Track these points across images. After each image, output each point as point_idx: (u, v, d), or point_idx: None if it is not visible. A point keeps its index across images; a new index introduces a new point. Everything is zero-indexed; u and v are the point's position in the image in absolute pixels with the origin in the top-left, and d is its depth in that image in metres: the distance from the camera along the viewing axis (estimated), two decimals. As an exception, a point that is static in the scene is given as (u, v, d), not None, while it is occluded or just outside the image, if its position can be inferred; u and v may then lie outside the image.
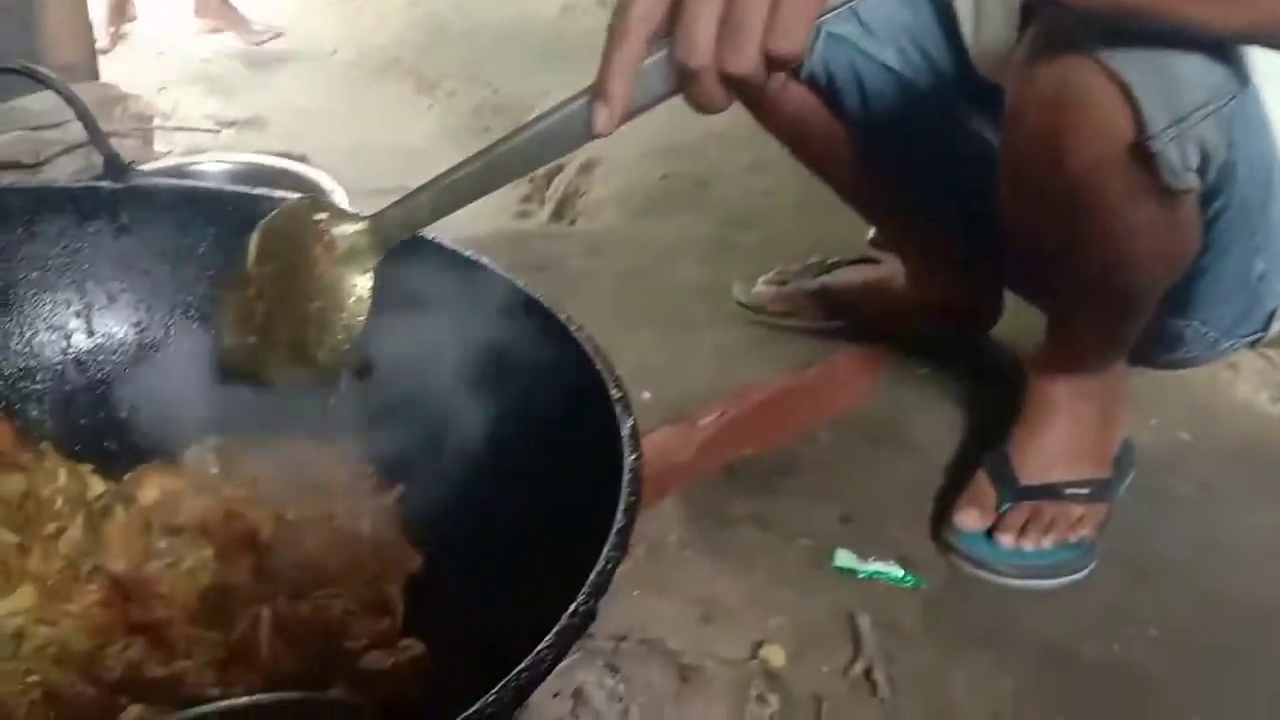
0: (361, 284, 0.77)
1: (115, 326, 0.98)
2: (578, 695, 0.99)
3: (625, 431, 0.76)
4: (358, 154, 2.42)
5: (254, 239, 0.81)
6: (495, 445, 0.85)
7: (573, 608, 0.61)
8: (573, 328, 0.85)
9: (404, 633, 0.81)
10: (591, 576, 0.63)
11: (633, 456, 0.74)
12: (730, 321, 1.60)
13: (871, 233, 1.77)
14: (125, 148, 1.69)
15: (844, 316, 1.55)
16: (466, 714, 0.54)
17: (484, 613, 0.81)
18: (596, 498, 0.75)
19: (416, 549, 0.87)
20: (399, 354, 0.89)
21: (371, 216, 0.76)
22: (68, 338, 0.97)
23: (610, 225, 1.97)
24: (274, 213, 0.81)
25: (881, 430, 1.38)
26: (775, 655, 1.07)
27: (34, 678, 0.72)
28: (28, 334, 0.96)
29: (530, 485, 0.82)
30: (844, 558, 1.19)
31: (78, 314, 0.97)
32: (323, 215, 0.77)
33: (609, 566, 0.64)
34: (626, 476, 0.72)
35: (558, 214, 2.24)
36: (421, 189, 0.75)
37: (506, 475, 0.84)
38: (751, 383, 1.40)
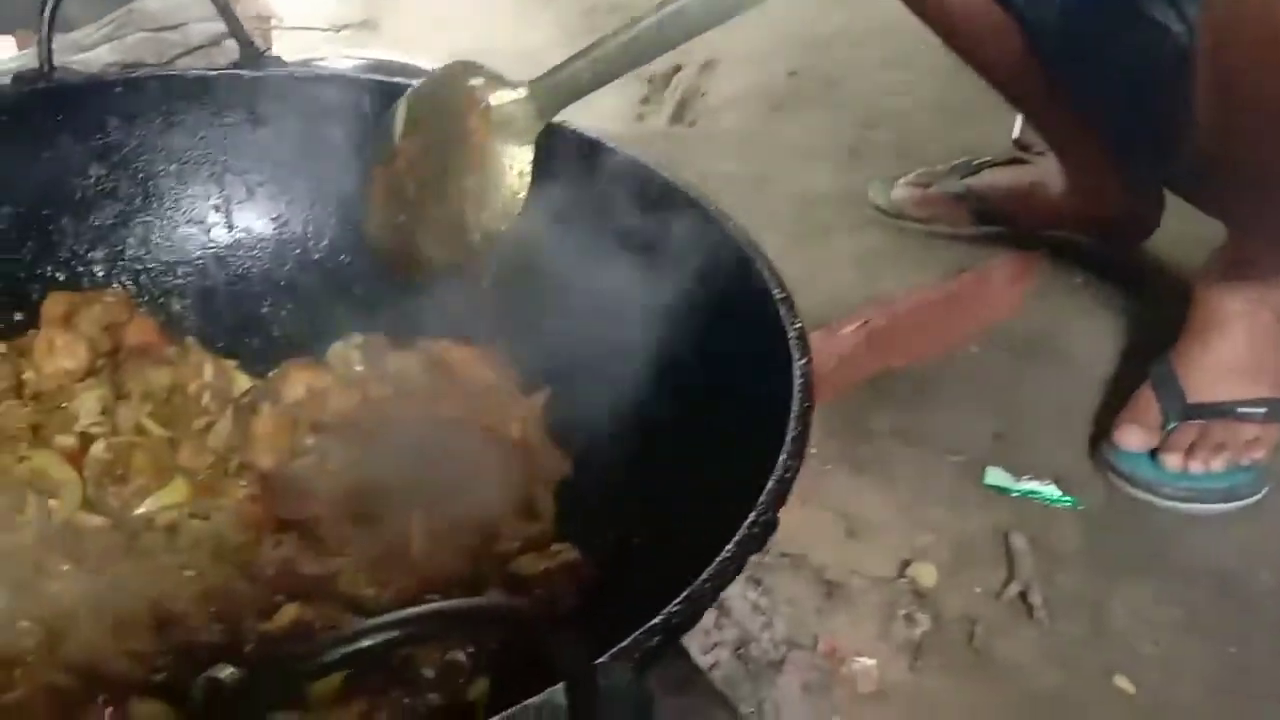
0: (521, 157, 0.71)
1: (254, 221, 0.96)
2: (721, 607, 0.96)
3: (793, 334, 0.71)
4: (474, 57, 2.37)
5: (401, 108, 0.76)
6: (649, 348, 0.81)
7: (752, 517, 0.57)
8: (732, 226, 0.80)
9: (555, 539, 0.79)
10: (770, 484, 0.59)
11: (802, 360, 0.69)
12: (868, 227, 1.52)
13: (1017, 132, 1.66)
14: (246, 48, 1.67)
15: (992, 222, 1.45)
16: (651, 623, 0.50)
17: (634, 521, 0.78)
18: (758, 404, 0.70)
19: (565, 453, 0.85)
20: (544, 250, 0.85)
21: (531, 83, 0.70)
22: (208, 232, 0.96)
23: (735, 126, 1.88)
24: (424, 79, 0.76)
25: (1034, 343, 1.30)
26: (925, 574, 1.02)
27: (191, 572, 0.71)
28: (169, 228, 0.95)
29: (685, 390, 0.78)
30: (996, 475, 1.13)
31: (216, 208, 0.96)
32: (478, 81, 0.72)
33: (788, 475, 0.60)
34: (798, 381, 0.67)
35: (677, 116, 2.16)
36: (580, 55, 0.69)
37: (660, 379, 0.80)
38: (894, 292, 1.33)
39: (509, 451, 0.82)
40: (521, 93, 0.71)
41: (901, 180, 1.53)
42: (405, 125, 0.76)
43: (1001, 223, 1.45)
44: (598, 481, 0.82)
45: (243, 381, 0.87)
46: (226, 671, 0.67)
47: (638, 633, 0.50)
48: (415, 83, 0.98)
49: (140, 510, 0.76)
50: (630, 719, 0.45)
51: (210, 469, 0.80)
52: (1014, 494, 1.11)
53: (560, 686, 0.45)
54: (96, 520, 0.76)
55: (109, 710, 0.66)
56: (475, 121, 0.72)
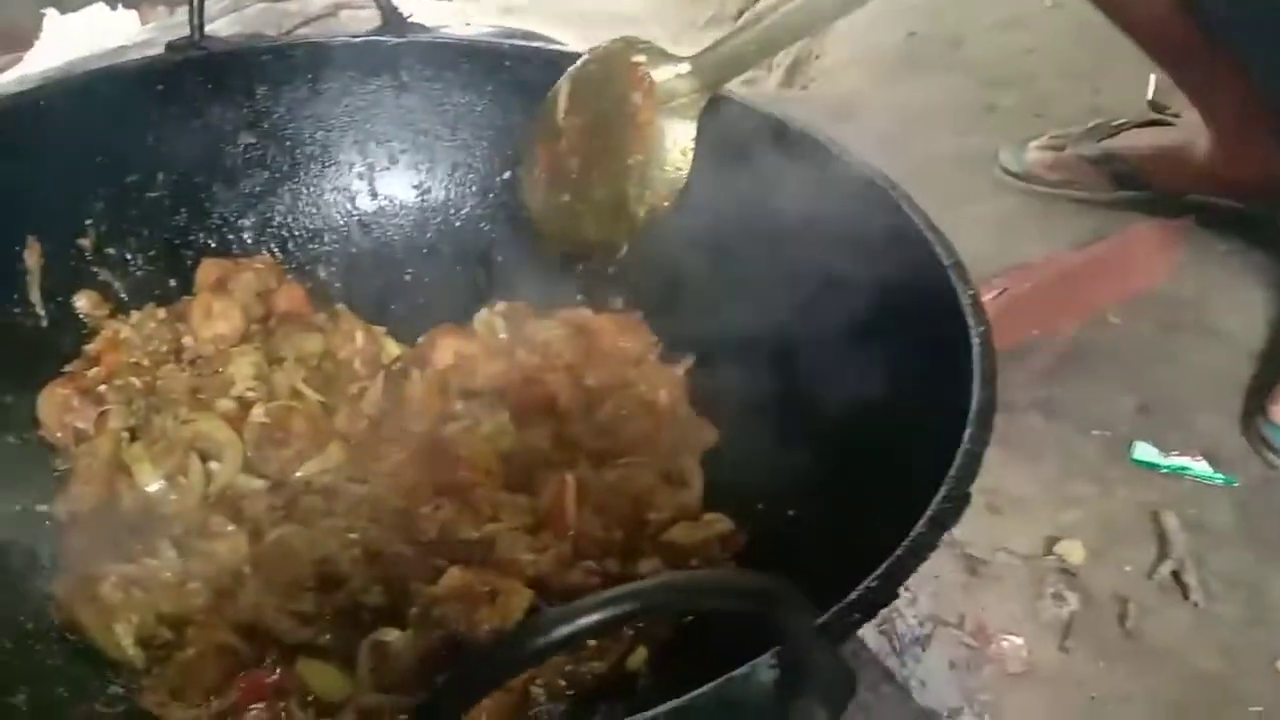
0: (685, 134, 0.71)
1: (397, 188, 0.97)
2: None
3: (965, 300, 0.68)
4: (576, 23, 2.35)
5: (563, 88, 0.76)
6: (797, 318, 0.79)
7: (944, 491, 0.55)
8: (889, 187, 0.78)
9: (705, 508, 0.78)
10: (960, 458, 0.57)
11: (980, 328, 0.66)
12: (999, 191, 1.47)
13: (1151, 93, 1.59)
14: (360, 19, 1.68)
15: (1133, 186, 1.39)
16: (848, 600, 0.49)
17: (786, 492, 0.77)
18: (928, 374, 0.68)
19: (710, 423, 0.84)
20: (689, 218, 0.84)
21: (694, 58, 0.69)
22: (352, 200, 0.96)
23: (854, 89, 1.83)
24: (585, 58, 0.75)
25: (1181, 313, 1.25)
26: (1073, 551, 0.99)
27: (354, 535, 0.72)
28: (315, 195, 0.95)
29: (841, 360, 0.76)
30: (1144, 451, 1.09)
31: (360, 175, 0.96)
32: (641, 58, 0.71)
33: (976, 449, 0.57)
34: (977, 348, 0.64)
35: (789, 80, 2.12)
36: (742, 28, 0.68)
37: (809, 349, 0.78)
38: (1030, 259, 1.28)
39: (657, 419, 0.81)
40: (685, 68, 0.70)
41: (1034, 143, 1.48)
42: (567, 104, 0.76)
43: (1142, 186, 1.39)
44: (745, 452, 0.81)
45: (392, 348, 0.88)
46: (393, 635, 0.68)
47: (838, 607, 0.48)
48: (557, 47, 0.98)
49: (299, 474, 0.77)
50: (838, 694, 0.44)
51: (364, 433, 0.81)
52: (1163, 470, 1.07)
53: (766, 659, 0.44)
54: (256, 483, 0.77)
55: (278, 670, 0.67)
56: (640, 98, 0.71)
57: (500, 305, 0.90)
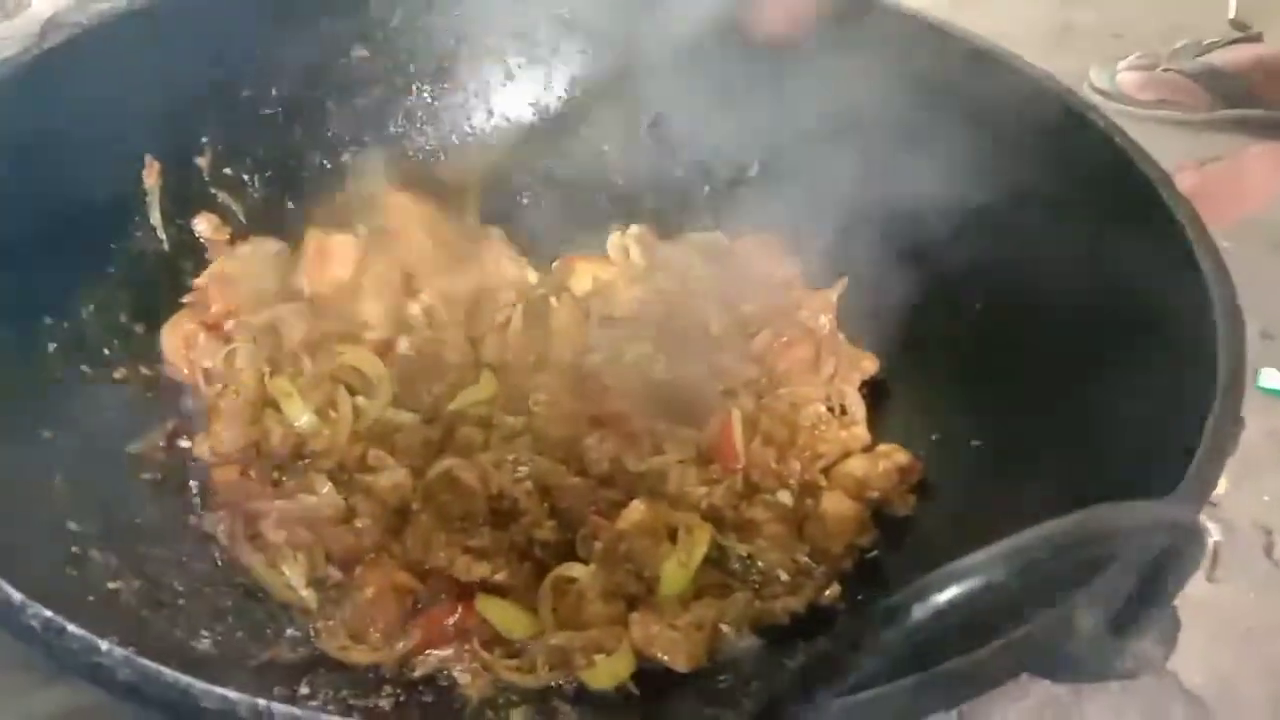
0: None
1: (512, 106, 0.91)
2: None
3: (1181, 214, 0.64)
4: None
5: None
6: (962, 233, 0.74)
7: (1212, 422, 0.52)
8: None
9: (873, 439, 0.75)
10: (1221, 388, 0.54)
11: (1204, 248, 0.63)
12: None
13: (1233, 11, 1.54)
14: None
15: (1239, 102, 1.34)
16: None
17: (960, 423, 0.73)
18: (1134, 306, 0.64)
19: (869, 350, 0.80)
20: (832, 121, 0.79)
21: None
22: (468, 118, 0.90)
23: (920, 10, 1.77)
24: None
25: (1295, 236, 1.21)
26: (1210, 481, 0.96)
27: (524, 469, 0.68)
28: (430, 112, 0.89)
29: (1015, 285, 0.72)
30: (1270, 377, 1.06)
31: (476, 93, 0.90)
32: None
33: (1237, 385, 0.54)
34: (1213, 275, 0.61)
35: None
36: None
37: (981, 272, 0.74)
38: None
39: (816, 346, 0.77)
40: None
41: (1123, 63, 1.43)
42: None
43: (1247, 104, 1.34)
44: (911, 380, 0.78)
45: (533, 275, 0.83)
46: (579, 571, 0.65)
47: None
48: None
49: (452, 406, 0.73)
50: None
51: (513, 363, 0.76)
52: (1290, 397, 1.04)
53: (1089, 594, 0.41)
54: (406, 416, 0.73)
55: (459, 609, 0.64)
56: None
57: (633, 229, 0.86)
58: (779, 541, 0.66)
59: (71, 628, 0.38)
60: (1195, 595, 0.88)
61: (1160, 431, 0.54)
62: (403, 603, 0.63)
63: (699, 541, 0.65)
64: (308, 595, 0.63)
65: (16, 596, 0.39)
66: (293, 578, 0.63)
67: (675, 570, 0.64)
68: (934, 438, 0.74)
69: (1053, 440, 0.64)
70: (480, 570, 0.64)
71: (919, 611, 0.30)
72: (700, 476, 0.69)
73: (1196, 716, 0.73)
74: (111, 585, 0.56)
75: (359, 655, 0.60)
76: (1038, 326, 0.69)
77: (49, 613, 0.39)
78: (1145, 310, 0.61)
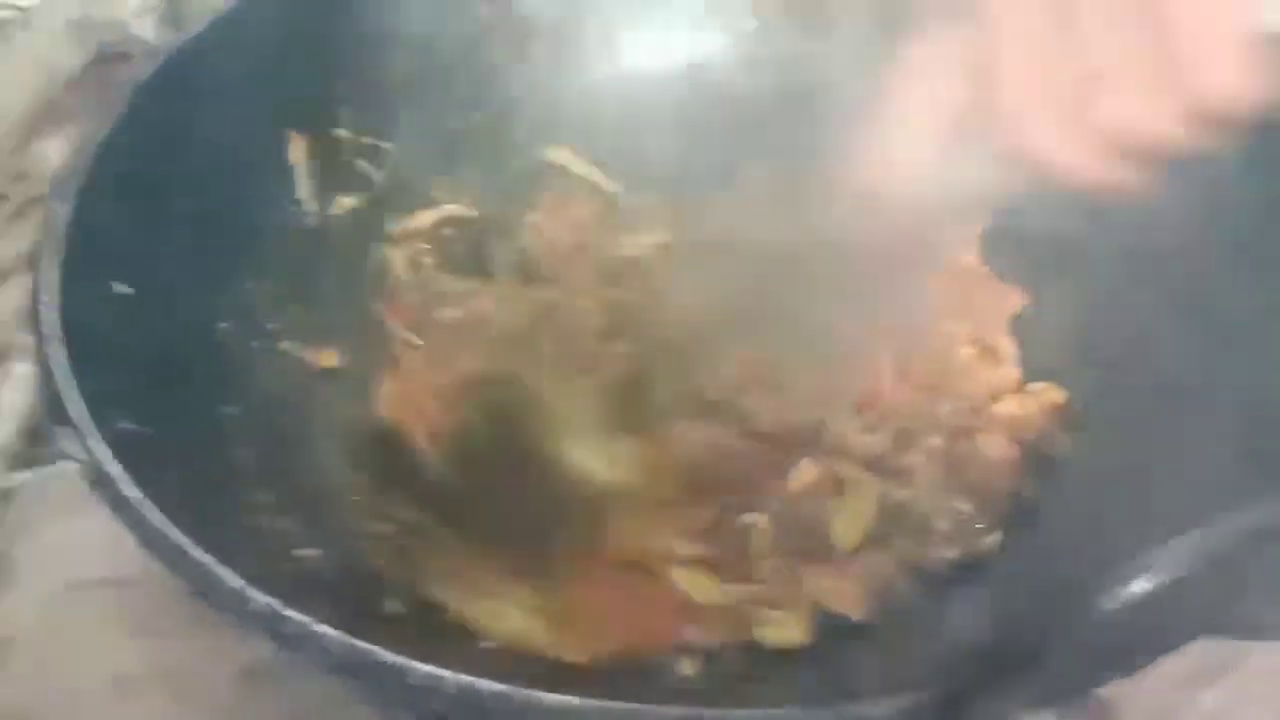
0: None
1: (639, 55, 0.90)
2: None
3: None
4: None
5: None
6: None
7: None
8: None
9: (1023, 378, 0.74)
10: None
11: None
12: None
13: None
14: None
15: None
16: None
17: (1115, 359, 0.71)
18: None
19: (1013, 285, 0.78)
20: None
21: None
22: (592, 66, 0.90)
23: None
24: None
25: None
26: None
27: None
28: (553, 68, 0.90)
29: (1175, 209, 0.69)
30: None
31: (599, 40, 0.90)
32: None
33: None
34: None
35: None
36: None
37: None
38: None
39: (963, 284, 0.76)
40: None
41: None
42: None
43: None
44: (1062, 314, 0.76)
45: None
46: (756, 517, 0.66)
47: None
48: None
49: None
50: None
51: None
52: None
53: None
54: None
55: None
56: None
57: (763, 170, 0.85)
58: (935, 487, 0.67)
59: (290, 613, 0.41)
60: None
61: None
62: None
63: (867, 495, 0.66)
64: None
65: (237, 583, 0.42)
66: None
67: (848, 525, 0.65)
68: (1087, 374, 0.72)
69: (1222, 374, 0.62)
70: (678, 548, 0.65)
71: (1110, 605, 0.30)
72: (861, 424, 0.69)
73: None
74: (298, 553, 0.60)
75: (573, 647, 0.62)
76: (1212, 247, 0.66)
77: (267, 598, 0.42)
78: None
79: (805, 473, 0.65)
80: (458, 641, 0.58)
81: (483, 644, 0.59)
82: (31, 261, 0.60)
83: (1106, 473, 0.67)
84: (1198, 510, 0.37)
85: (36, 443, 0.78)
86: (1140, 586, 0.30)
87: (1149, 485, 0.61)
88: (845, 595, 0.61)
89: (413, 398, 0.72)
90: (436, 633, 0.59)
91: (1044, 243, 0.75)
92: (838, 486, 0.65)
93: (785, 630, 0.61)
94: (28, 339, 0.63)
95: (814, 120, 0.88)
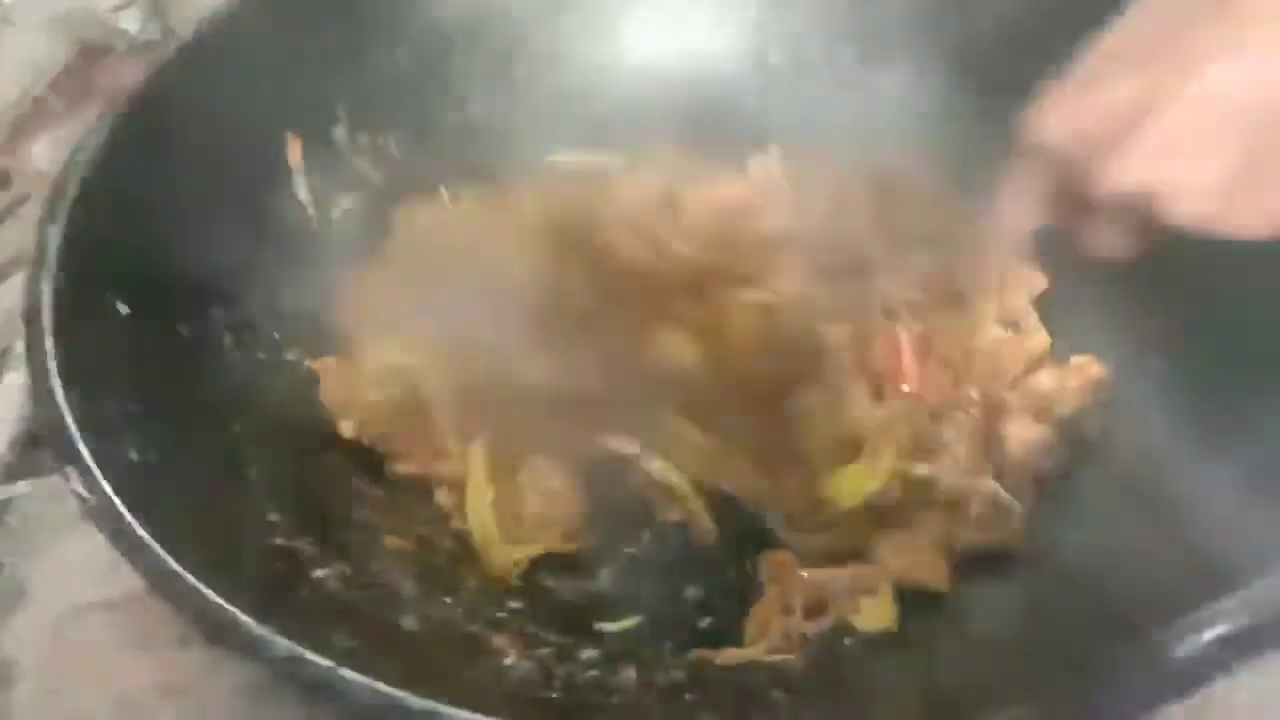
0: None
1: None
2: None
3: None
4: None
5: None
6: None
7: None
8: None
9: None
10: None
11: None
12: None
13: None
14: None
15: None
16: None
17: (1139, 341, 0.70)
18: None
19: (1036, 268, 0.76)
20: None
21: None
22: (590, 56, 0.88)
23: None
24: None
25: None
26: None
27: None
28: (553, 55, 0.87)
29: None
30: None
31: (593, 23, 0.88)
32: None
33: None
34: None
35: None
36: None
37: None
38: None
39: (974, 265, 0.74)
40: None
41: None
42: None
43: None
44: (1083, 298, 0.74)
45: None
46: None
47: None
48: None
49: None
50: None
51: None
52: None
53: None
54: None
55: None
56: None
57: (774, 148, 0.83)
58: (964, 465, 0.66)
59: (310, 656, 0.40)
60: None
61: None
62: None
63: (885, 456, 0.65)
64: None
65: (258, 630, 0.41)
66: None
67: (853, 479, 0.64)
68: (1110, 359, 0.70)
69: (1251, 357, 0.60)
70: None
71: (1182, 651, 0.29)
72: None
73: None
74: (317, 573, 0.58)
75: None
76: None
77: (289, 642, 0.40)
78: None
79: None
80: (477, 660, 0.56)
81: (505, 661, 0.57)
82: (27, 286, 0.58)
83: (1138, 459, 0.65)
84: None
85: (33, 448, 0.76)
86: (1215, 633, 0.29)
87: (1181, 476, 0.60)
88: (927, 567, 0.62)
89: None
90: (458, 652, 0.57)
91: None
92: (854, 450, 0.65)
93: (877, 616, 0.62)
94: (19, 346, 0.61)
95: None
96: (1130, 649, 0.30)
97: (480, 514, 0.66)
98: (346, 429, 0.69)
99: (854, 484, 0.65)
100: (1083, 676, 0.31)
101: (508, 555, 0.66)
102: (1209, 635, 0.29)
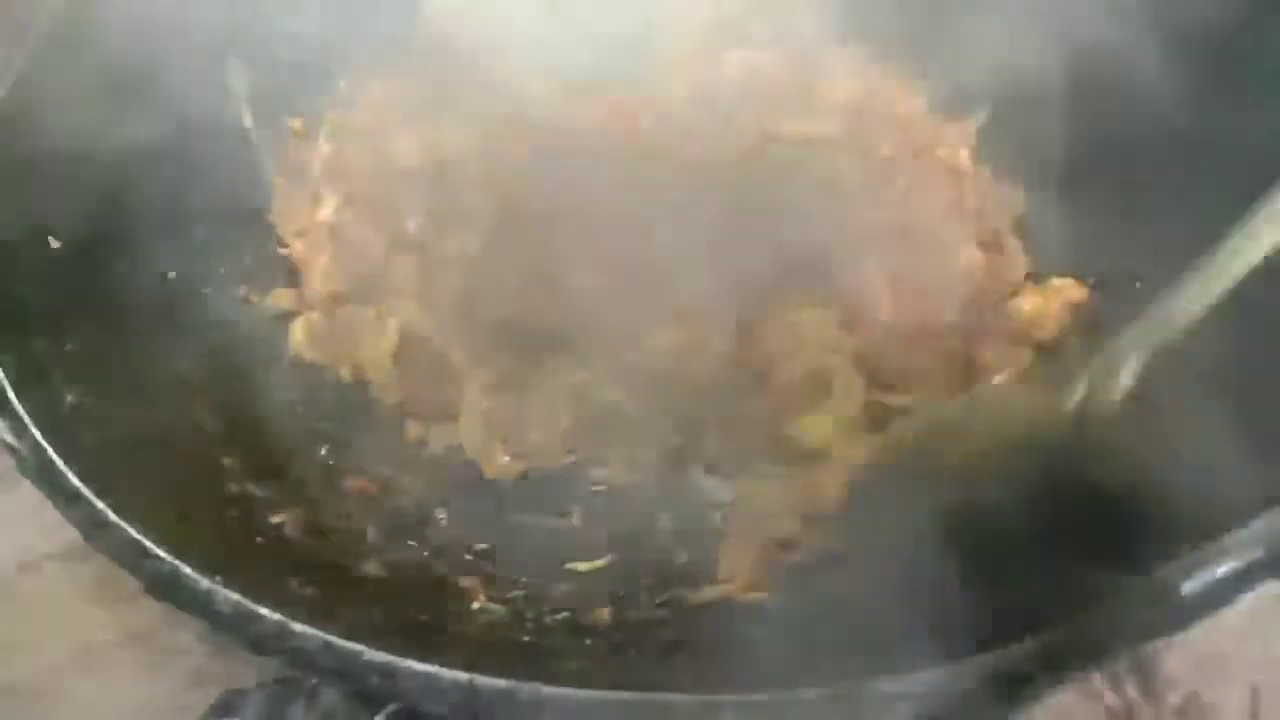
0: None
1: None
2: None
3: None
4: None
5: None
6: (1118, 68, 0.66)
7: None
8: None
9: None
10: None
11: None
12: None
13: None
14: None
15: None
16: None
17: (1125, 254, 0.68)
18: None
19: (1015, 184, 0.73)
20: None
21: None
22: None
23: None
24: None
25: None
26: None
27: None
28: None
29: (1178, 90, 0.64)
30: None
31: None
32: None
33: None
34: None
35: None
36: None
37: (1139, 97, 0.66)
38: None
39: (960, 184, 0.71)
40: None
41: None
42: None
43: None
44: (1066, 220, 0.71)
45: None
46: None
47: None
48: None
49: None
50: None
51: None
52: None
53: None
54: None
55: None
56: None
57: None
58: (942, 391, 0.64)
59: (260, 610, 0.37)
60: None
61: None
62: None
63: (852, 391, 0.63)
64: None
65: (204, 583, 0.38)
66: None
67: (820, 425, 0.63)
68: (1092, 282, 0.68)
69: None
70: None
71: (1190, 588, 0.27)
72: (839, 340, 0.66)
73: None
74: (275, 519, 0.56)
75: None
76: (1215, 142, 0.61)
77: (237, 596, 0.38)
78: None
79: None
80: (445, 604, 0.54)
81: (473, 605, 0.55)
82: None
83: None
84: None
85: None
86: (1220, 571, 0.27)
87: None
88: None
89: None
90: (424, 597, 0.55)
91: (1047, 142, 0.71)
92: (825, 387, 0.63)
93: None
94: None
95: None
96: (1134, 582, 0.28)
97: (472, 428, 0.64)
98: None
99: (821, 429, 0.63)
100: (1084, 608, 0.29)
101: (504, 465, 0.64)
102: (1211, 572, 0.27)
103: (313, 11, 0.75)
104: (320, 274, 0.70)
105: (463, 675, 0.35)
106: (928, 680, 0.32)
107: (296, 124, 0.75)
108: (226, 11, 0.71)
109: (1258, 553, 0.28)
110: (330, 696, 0.64)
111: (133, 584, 0.65)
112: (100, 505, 0.41)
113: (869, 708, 0.34)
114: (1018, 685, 0.30)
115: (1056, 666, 0.29)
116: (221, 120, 0.72)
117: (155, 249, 0.64)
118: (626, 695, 0.35)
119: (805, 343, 0.65)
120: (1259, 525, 0.29)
